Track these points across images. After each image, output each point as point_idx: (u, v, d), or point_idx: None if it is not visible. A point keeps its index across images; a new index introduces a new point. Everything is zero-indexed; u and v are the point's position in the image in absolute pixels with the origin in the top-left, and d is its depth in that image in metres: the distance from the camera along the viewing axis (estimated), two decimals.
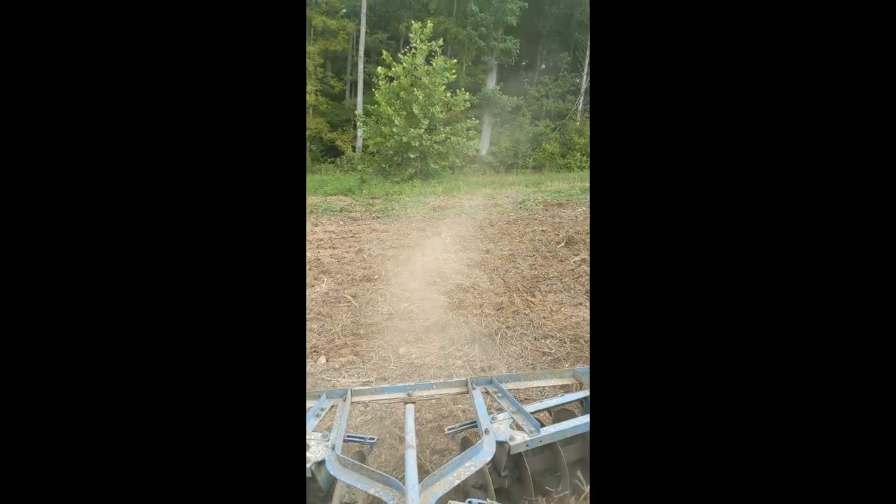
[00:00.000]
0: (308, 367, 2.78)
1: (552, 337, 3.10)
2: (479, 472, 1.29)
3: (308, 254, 5.53)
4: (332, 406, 1.65)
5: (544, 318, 3.42)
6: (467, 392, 1.72)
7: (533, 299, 3.82)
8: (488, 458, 1.27)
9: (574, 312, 3.52)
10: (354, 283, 4.37)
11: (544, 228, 6.66)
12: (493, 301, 3.79)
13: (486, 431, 1.37)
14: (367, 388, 1.70)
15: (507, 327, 3.25)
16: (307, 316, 3.56)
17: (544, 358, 2.83)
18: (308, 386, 2.59)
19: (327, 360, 2.87)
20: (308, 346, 3.04)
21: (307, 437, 1.40)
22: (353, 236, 6.61)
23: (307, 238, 6.46)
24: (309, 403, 1.65)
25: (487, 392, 1.71)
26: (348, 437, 1.53)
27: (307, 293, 4.10)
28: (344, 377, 2.68)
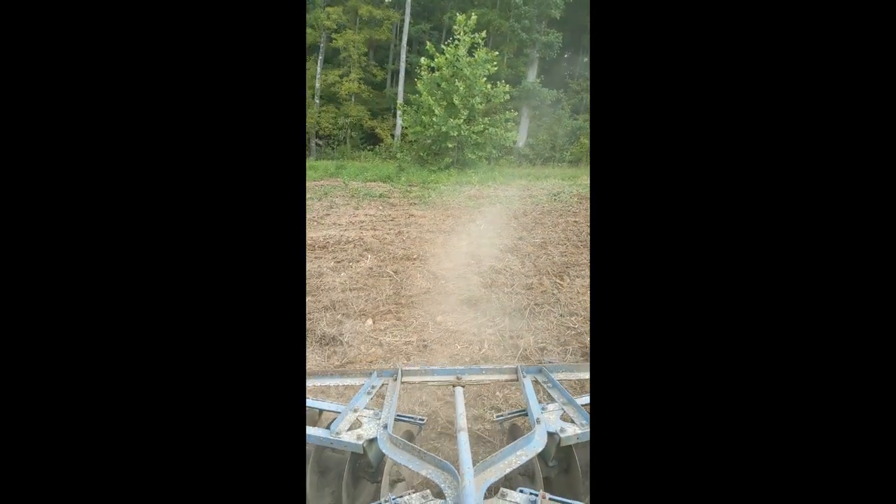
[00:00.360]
0: (357, 328, 3.15)
1: (577, 315, 3.37)
2: (527, 461, 1.30)
3: (352, 233, 5.95)
4: (383, 384, 1.69)
5: (571, 298, 3.69)
6: (517, 379, 1.72)
7: (561, 282, 4.09)
8: (540, 448, 1.26)
9: None
10: (395, 261, 4.73)
11: (577, 220, 6.86)
12: (524, 282, 4.08)
13: (538, 421, 1.35)
14: (416, 368, 1.76)
15: (536, 304, 3.55)
16: (354, 285, 3.95)
17: (568, 331, 3.11)
18: (356, 342, 2.96)
19: (374, 323, 3.24)
20: (356, 309, 3.42)
21: (359, 413, 1.46)
22: (392, 220, 6.98)
23: (350, 219, 6.89)
24: (360, 381, 1.72)
25: (537, 381, 1.70)
26: (398, 416, 1.54)
27: (353, 267, 4.50)
28: (388, 336, 3.04)
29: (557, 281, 4.12)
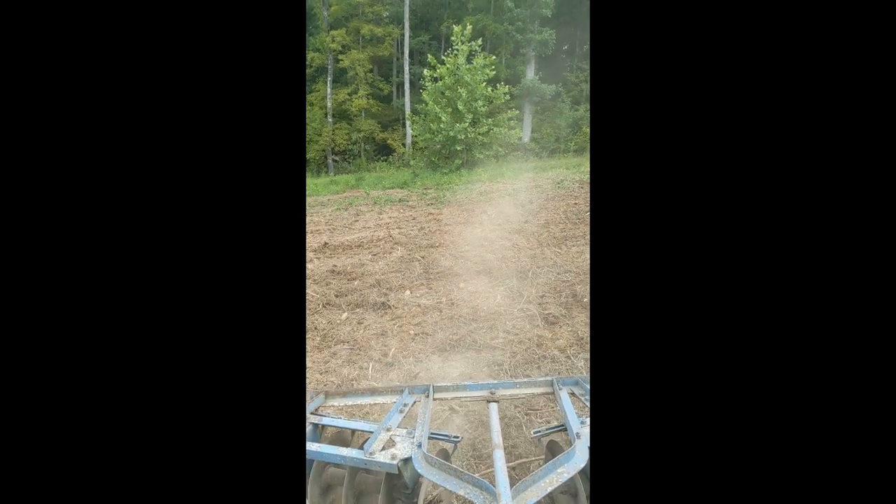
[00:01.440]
0: (399, 296, 4.08)
1: (570, 272, 4.24)
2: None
3: (381, 232, 6.91)
4: (415, 402, 1.66)
5: (566, 261, 4.56)
6: (552, 392, 1.68)
7: (559, 251, 4.96)
8: (582, 465, 1.21)
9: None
10: (421, 249, 5.66)
11: (577, 202, 7.69)
12: (528, 253, 4.96)
13: (578, 436, 1.30)
14: (449, 384, 1.75)
15: (538, 267, 4.42)
16: (391, 269, 4.89)
17: (563, 284, 3.97)
18: (400, 305, 3.87)
19: (411, 292, 4.16)
20: (396, 285, 4.36)
21: (392, 432, 1.43)
22: (413, 219, 7.92)
23: (377, 222, 7.85)
24: (392, 398, 1.70)
25: (573, 394, 1.66)
26: (432, 434, 1.52)
27: (387, 257, 5.44)
28: (423, 300, 3.95)
29: (556, 250, 4.99)
